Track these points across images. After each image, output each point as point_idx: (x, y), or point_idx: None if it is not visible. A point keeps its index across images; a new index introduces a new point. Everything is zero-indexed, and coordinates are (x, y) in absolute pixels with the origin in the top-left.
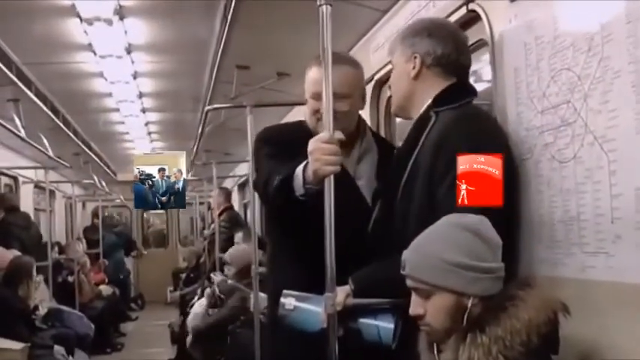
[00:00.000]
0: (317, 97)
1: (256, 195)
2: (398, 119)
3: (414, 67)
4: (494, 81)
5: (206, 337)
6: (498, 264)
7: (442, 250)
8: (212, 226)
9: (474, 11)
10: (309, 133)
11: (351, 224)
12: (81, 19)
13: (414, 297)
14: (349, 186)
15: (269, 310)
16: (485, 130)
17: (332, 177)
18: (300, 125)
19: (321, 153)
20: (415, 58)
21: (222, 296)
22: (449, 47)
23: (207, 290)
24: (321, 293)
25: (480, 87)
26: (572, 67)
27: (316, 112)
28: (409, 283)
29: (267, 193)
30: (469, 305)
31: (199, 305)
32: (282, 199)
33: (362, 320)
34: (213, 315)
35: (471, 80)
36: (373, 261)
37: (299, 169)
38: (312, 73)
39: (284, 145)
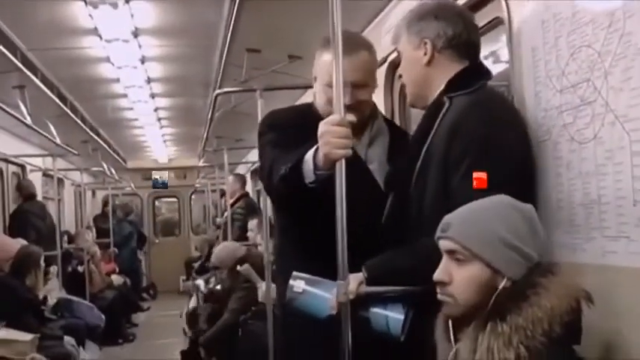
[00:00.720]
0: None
1: None
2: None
3: (425, 54)
4: (512, 61)
5: (216, 342)
6: (537, 257)
7: (493, 223)
8: (225, 214)
9: None
10: (318, 117)
11: (363, 209)
12: (85, 2)
13: (444, 262)
14: (360, 170)
15: (278, 301)
16: (500, 115)
17: (343, 161)
18: (308, 108)
19: (331, 136)
20: (425, 43)
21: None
22: (459, 27)
23: (189, 283)
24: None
25: (497, 68)
26: (592, 44)
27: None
28: (447, 244)
29: (272, 182)
30: (500, 286)
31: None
32: (291, 187)
33: (372, 310)
34: (218, 324)
35: (488, 62)
36: (387, 249)
37: (309, 155)
38: (328, 59)
39: (291, 130)
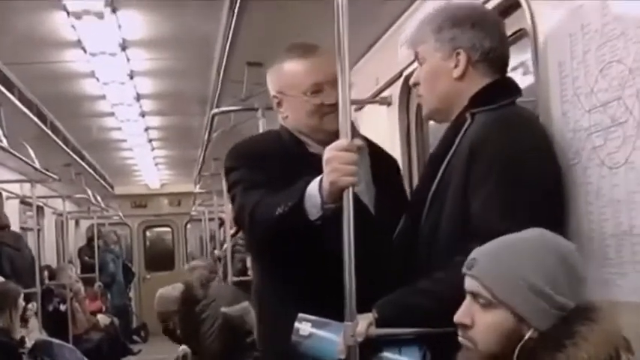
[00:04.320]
0: (318, 88)
1: None
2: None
3: (456, 66)
4: (537, 76)
5: None
6: (572, 305)
7: (524, 266)
8: (224, 246)
9: None
10: (289, 143)
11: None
12: (68, 13)
13: (467, 302)
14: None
15: (263, 352)
16: (526, 135)
17: (351, 190)
18: (274, 135)
19: (339, 162)
20: (458, 54)
21: None
22: (496, 39)
23: None
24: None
25: (522, 83)
26: (623, 59)
27: (320, 107)
28: (471, 285)
29: (256, 224)
30: (526, 336)
31: None
32: (288, 227)
33: (384, 354)
34: None
35: (515, 75)
36: (393, 279)
37: (313, 189)
38: (301, 65)
39: (263, 162)
